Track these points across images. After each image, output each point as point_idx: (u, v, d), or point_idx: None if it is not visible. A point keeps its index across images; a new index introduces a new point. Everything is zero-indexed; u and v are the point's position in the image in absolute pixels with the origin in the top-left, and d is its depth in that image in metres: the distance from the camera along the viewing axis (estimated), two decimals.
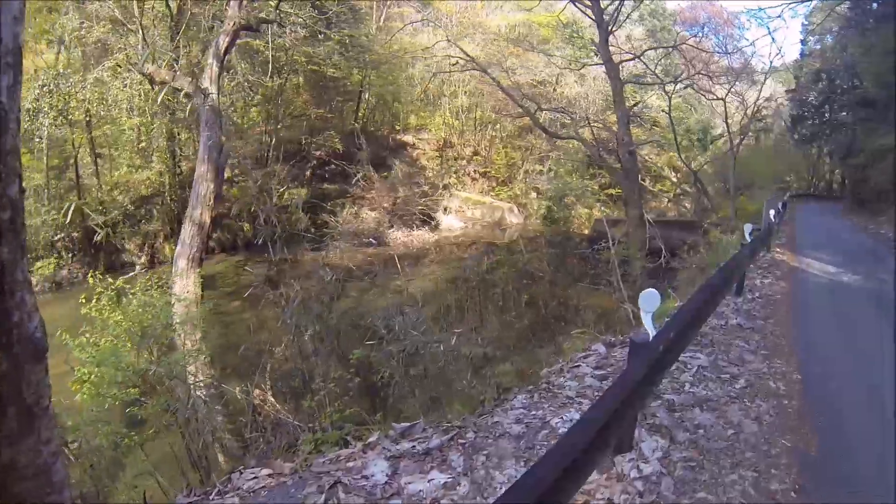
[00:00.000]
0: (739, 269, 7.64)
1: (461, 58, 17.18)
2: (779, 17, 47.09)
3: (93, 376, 6.54)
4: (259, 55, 20.77)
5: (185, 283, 9.25)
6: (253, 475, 3.82)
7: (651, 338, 3.52)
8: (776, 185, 34.65)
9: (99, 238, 18.75)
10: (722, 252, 12.46)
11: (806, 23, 37.58)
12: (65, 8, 17.71)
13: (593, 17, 14.15)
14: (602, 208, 35.05)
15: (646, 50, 17.05)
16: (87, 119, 19.18)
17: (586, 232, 24.54)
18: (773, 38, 57.11)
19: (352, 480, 3.53)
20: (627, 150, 13.21)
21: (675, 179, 36.67)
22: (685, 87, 23.69)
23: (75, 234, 19.04)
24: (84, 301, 7.84)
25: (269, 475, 3.79)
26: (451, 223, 28.49)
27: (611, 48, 18.22)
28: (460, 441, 4.03)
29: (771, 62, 37.49)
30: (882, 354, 5.97)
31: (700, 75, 18.78)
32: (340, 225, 25.85)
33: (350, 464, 3.78)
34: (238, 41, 19.87)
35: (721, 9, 32.69)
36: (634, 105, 16.68)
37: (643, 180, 37.74)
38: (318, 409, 5.39)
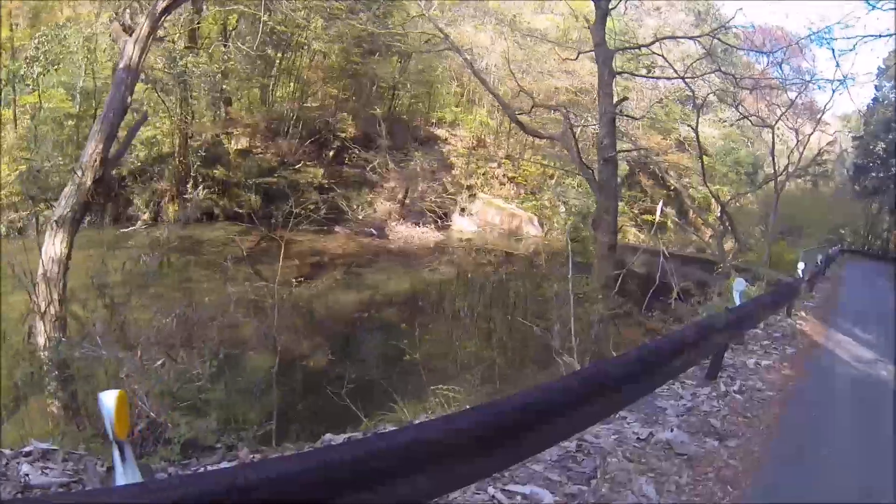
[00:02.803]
0: (704, 347, 4.77)
1: (435, 34, 14.84)
2: (852, 50, 41.25)
3: None
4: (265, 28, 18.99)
5: (52, 243, 7.93)
6: None
7: None
8: (826, 235, 30.09)
9: None
10: (730, 304, 9.23)
11: (883, 66, 32.68)
12: None
13: None
14: (637, 233, 31.62)
15: (657, 41, 13.67)
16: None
17: None
18: (837, 63, 50.43)
19: None
20: (605, 156, 10.03)
21: (719, 213, 32.62)
22: (725, 106, 20.09)
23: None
24: None
25: None
26: (463, 225, 25.93)
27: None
28: None
29: (833, 91, 32.68)
30: None
31: (731, 80, 15.07)
32: (350, 211, 23.86)
33: None
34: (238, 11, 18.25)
35: (787, 35, 28.15)
36: (621, 101, 13.36)
37: (687, 210, 33.85)
38: None
